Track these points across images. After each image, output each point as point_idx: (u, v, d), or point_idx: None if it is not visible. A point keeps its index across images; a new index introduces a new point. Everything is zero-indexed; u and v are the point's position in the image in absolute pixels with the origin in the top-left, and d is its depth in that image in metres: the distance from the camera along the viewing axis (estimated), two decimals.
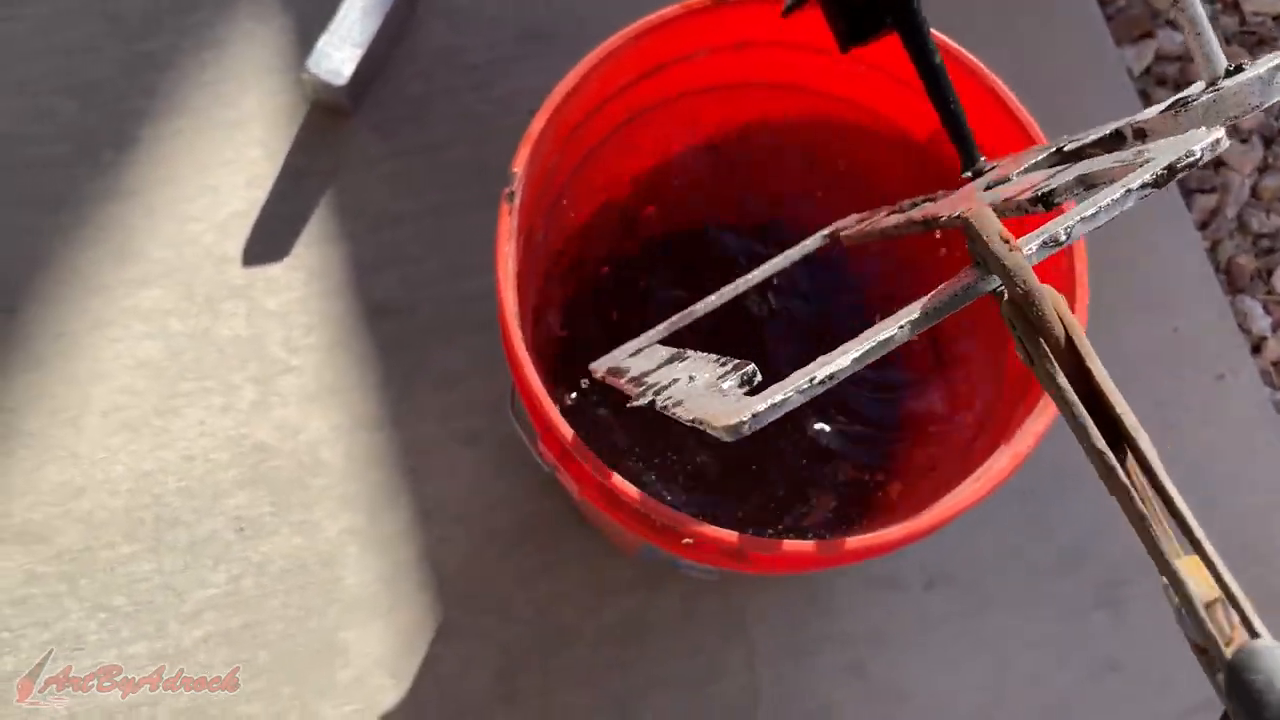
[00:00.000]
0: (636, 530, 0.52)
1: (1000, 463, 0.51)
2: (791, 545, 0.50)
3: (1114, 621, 0.79)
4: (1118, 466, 0.31)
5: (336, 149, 0.86)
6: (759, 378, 0.37)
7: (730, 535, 0.49)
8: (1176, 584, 0.29)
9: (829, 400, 0.77)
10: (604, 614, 0.77)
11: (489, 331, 0.83)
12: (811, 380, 0.33)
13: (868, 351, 0.33)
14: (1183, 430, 0.84)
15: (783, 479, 0.74)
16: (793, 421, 0.76)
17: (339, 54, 0.82)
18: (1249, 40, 0.96)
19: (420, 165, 0.86)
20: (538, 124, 0.53)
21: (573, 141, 0.60)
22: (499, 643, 0.76)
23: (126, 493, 0.78)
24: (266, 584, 0.76)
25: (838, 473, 0.73)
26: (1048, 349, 0.33)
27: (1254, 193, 0.90)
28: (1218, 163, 0.92)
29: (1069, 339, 0.33)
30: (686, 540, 0.49)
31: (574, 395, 0.73)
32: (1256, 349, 0.89)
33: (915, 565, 0.79)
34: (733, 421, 0.33)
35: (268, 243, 0.84)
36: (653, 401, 0.41)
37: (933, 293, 0.34)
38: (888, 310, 0.35)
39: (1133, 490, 0.30)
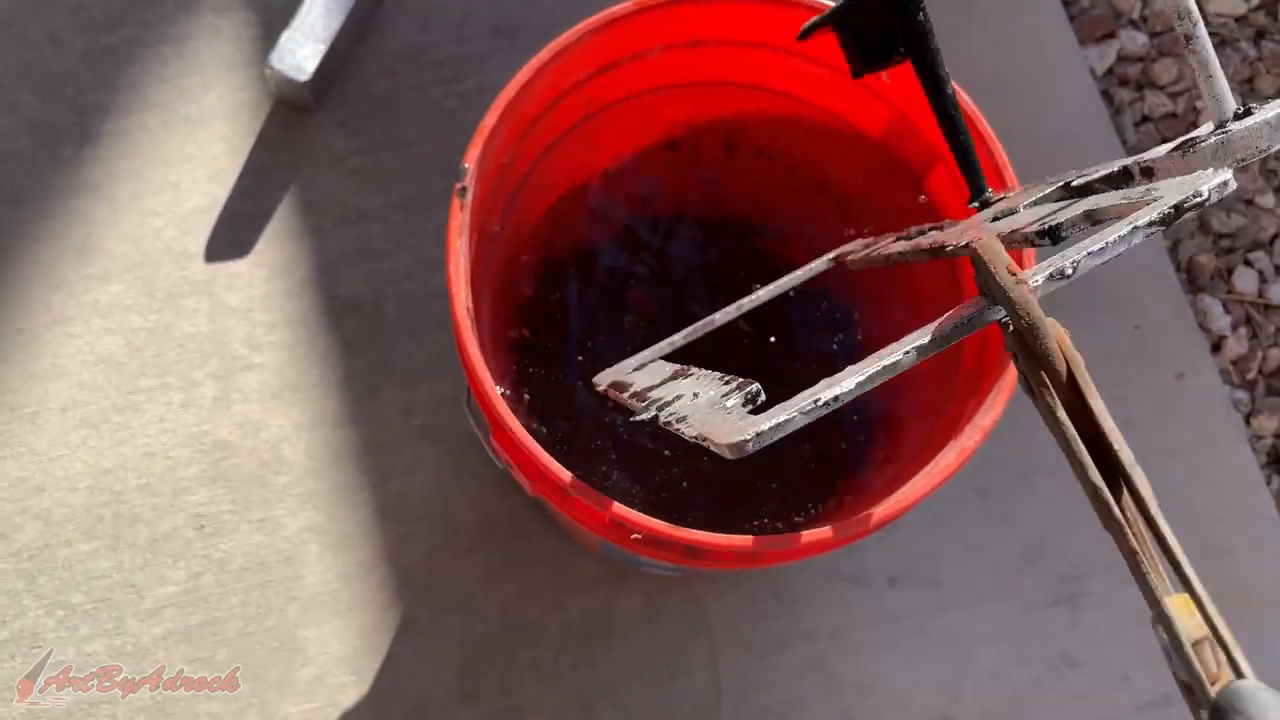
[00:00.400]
0: (588, 525, 0.53)
1: (947, 459, 0.51)
2: (740, 540, 0.50)
3: (1072, 618, 0.79)
4: (1113, 502, 0.31)
5: (300, 145, 0.86)
6: (763, 397, 0.38)
7: (676, 530, 0.49)
8: (1165, 622, 0.30)
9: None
10: (567, 611, 0.77)
11: None
12: (816, 402, 0.34)
13: (871, 376, 0.34)
14: (1142, 428, 0.85)
15: (746, 474, 0.74)
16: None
17: (302, 50, 0.82)
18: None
19: (386, 161, 0.86)
20: (490, 118, 0.53)
21: (530, 137, 0.60)
22: (461, 640, 0.76)
23: (86, 489, 0.77)
24: (226, 581, 0.76)
25: (800, 468, 0.74)
26: (1049, 382, 0.33)
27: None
28: None
29: (1070, 374, 0.33)
30: (635, 535, 0.49)
31: (527, 394, 0.73)
32: (1216, 348, 0.90)
33: (878, 563, 0.79)
34: (735, 440, 0.34)
35: (230, 239, 0.83)
36: (656, 417, 0.42)
37: (939, 320, 0.35)
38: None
39: (1126, 526, 0.31)
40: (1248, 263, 0.92)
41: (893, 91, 0.59)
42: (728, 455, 0.34)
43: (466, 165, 0.52)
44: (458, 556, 0.77)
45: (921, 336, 0.34)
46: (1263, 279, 0.92)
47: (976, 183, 0.49)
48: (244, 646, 0.74)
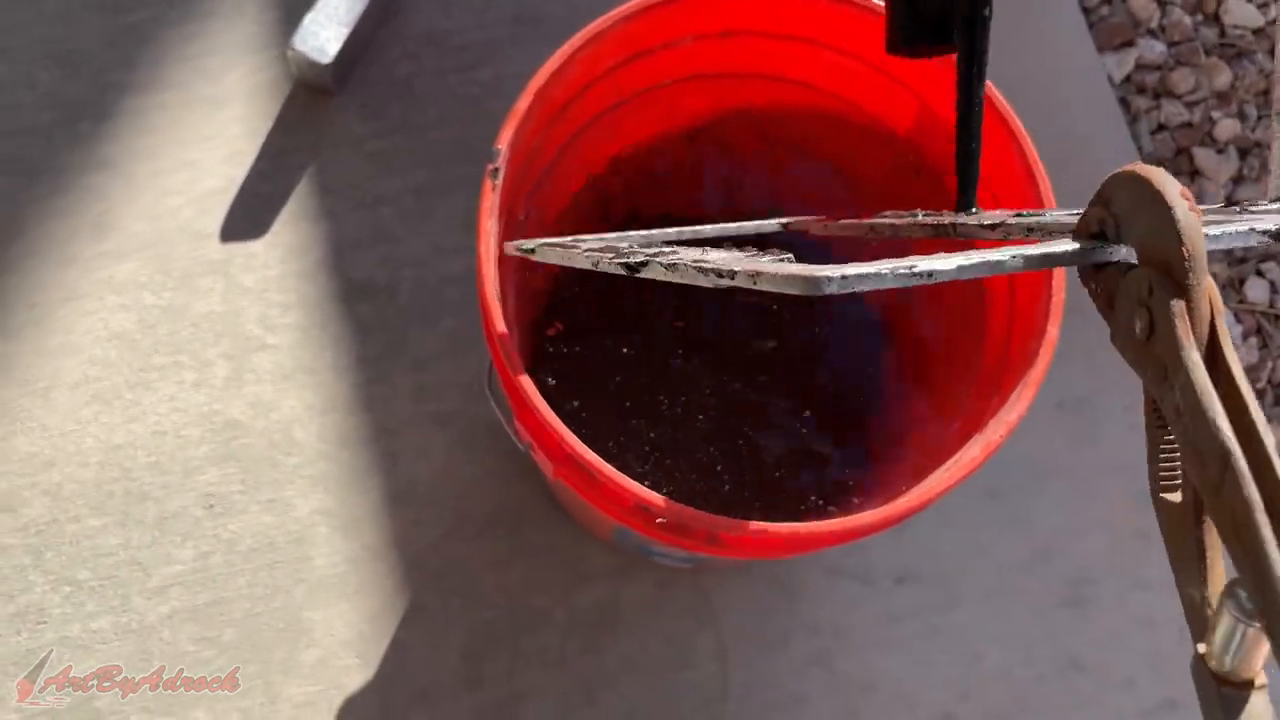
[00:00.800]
0: (609, 511, 0.53)
1: (972, 452, 0.51)
2: (763, 528, 0.50)
3: (1079, 620, 0.79)
4: (1238, 453, 0.29)
5: (320, 128, 0.86)
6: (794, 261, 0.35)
7: (701, 515, 0.49)
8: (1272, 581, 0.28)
9: (812, 392, 0.77)
10: (575, 600, 0.77)
11: (468, 313, 0.83)
12: (911, 269, 0.31)
13: (973, 265, 0.32)
14: None
15: (767, 467, 0.74)
16: (779, 405, 0.76)
17: (325, 32, 0.82)
18: (1228, 53, 0.97)
19: (405, 145, 0.86)
20: (524, 101, 0.53)
21: (559, 124, 0.60)
22: (467, 626, 0.76)
23: (96, 466, 0.77)
24: (235, 562, 0.75)
25: (819, 463, 0.74)
26: (1190, 323, 0.31)
27: (1228, 203, 0.91)
28: (1194, 171, 0.93)
29: (1212, 321, 0.32)
30: (660, 520, 0.49)
31: (552, 380, 0.73)
32: None
33: (886, 562, 0.80)
34: (814, 275, 0.30)
35: (247, 219, 0.83)
36: (645, 262, 0.37)
37: (1048, 242, 0.34)
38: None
39: (1249, 482, 0.29)
40: (1259, 273, 0.93)
41: (923, 85, 0.59)
42: (795, 290, 0.30)
43: (499, 147, 0.52)
44: (467, 542, 0.77)
45: (1032, 249, 0.33)
46: (1274, 289, 0.92)
47: (967, 194, 0.49)
48: (250, 627, 0.74)
